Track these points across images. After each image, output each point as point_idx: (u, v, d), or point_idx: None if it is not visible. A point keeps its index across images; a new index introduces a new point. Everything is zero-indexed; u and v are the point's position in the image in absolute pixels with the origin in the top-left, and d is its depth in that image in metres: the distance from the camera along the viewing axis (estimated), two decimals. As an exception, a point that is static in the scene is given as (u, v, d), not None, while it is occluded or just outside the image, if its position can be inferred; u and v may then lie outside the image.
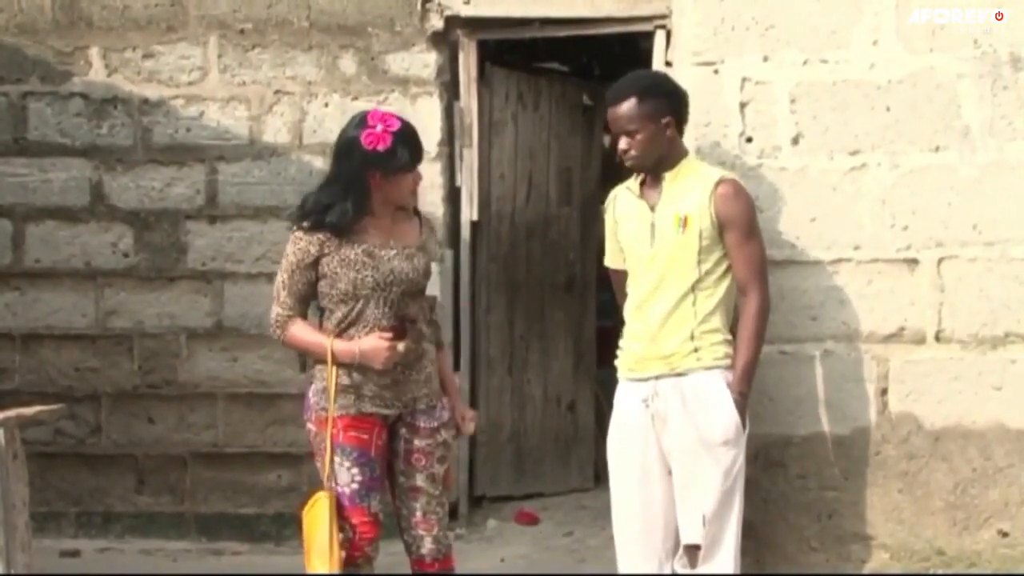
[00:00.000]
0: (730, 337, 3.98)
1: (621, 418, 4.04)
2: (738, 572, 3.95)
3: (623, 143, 3.99)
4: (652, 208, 4.00)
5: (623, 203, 4.11)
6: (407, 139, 3.84)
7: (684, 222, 3.92)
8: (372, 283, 3.81)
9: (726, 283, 3.98)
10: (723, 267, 3.97)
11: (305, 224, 3.84)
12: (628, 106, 3.95)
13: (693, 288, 3.94)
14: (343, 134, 3.88)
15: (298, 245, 3.84)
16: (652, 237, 3.98)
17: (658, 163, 3.99)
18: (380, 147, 3.78)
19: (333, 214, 3.79)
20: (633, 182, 4.09)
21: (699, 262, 3.93)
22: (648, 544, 4.00)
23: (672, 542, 4.00)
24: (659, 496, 3.98)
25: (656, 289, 3.97)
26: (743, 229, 3.96)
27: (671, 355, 3.95)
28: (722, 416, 3.90)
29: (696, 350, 3.93)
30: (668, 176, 3.99)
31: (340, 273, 3.81)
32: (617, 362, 4.11)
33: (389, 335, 3.79)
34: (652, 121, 3.95)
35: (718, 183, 3.95)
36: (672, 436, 3.93)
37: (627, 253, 4.08)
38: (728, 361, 3.95)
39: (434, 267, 4.04)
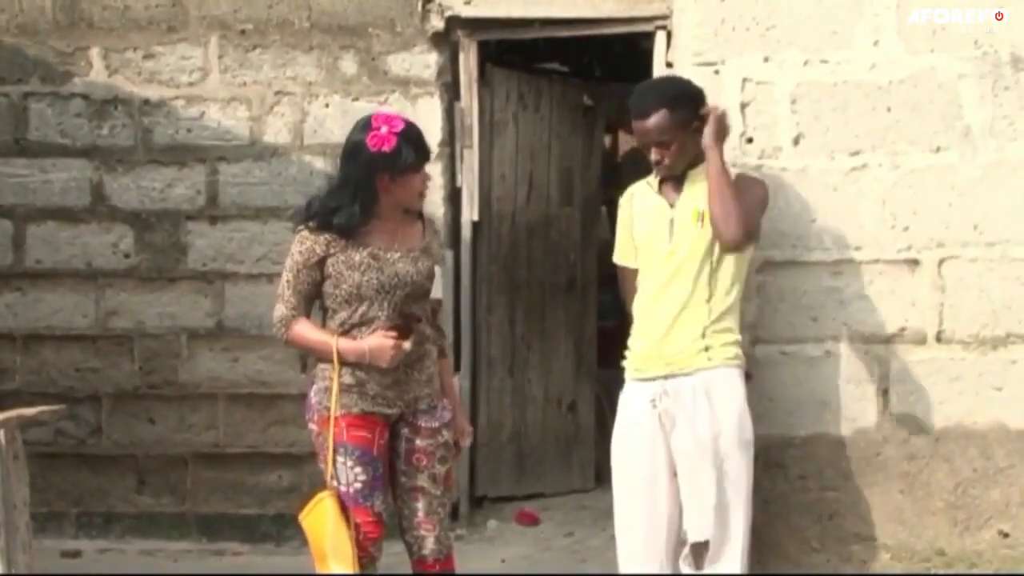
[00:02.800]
0: (739, 337, 3.99)
1: (628, 419, 4.03)
2: (746, 572, 3.94)
3: (655, 154, 3.97)
4: (672, 205, 4.00)
5: (640, 199, 4.11)
6: (412, 139, 3.84)
7: (702, 217, 3.93)
8: (377, 285, 3.81)
9: (741, 285, 3.99)
10: (738, 267, 3.96)
11: (311, 223, 3.84)
12: (659, 118, 3.93)
13: (708, 284, 3.93)
14: (349, 138, 3.88)
15: (304, 244, 3.84)
16: (671, 233, 3.97)
17: (690, 165, 4.00)
18: (385, 148, 3.78)
19: (341, 216, 3.79)
20: (652, 178, 4.09)
21: (711, 257, 3.93)
22: (651, 545, 3.99)
23: (674, 543, 3.99)
24: (664, 497, 3.97)
25: (668, 285, 3.96)
26: (750, 189, 3.98)
27: (680, 354, 3.94)
28: (731, 415, 3.89)
29: (706, 349, 3.93)
30: (691, 174, 3.99)
31: (345, 275, 3.81)
32: (624, 362, 4.11)
33: (394, 334, 3.79)
34: (683, 129, 3.95)
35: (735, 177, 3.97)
36: (681, 436, 3.92)
37: (641, 250, 4.07)
38: (739, 361, 3.96)
39: (436, 269, 4.04)
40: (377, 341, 3.79)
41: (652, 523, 3.98)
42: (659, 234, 4.01)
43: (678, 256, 3.96)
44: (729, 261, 3.95)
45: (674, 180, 4.03)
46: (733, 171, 4.05)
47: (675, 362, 3.95)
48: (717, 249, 3.93)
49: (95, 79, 6.11)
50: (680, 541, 3.98)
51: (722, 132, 4.01)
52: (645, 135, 3.98)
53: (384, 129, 3.80)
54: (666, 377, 3.95)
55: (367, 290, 3.81)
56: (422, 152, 3.88)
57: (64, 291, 6.15)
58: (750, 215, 3.93)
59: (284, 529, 5.91)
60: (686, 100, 3.99)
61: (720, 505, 3.89)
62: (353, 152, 3.83)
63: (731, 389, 3.92)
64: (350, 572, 3.71)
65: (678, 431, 3.93)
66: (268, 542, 6.03)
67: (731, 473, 3.89)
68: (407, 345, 3.80)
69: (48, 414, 4.36)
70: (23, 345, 6.16)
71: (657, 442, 3.96)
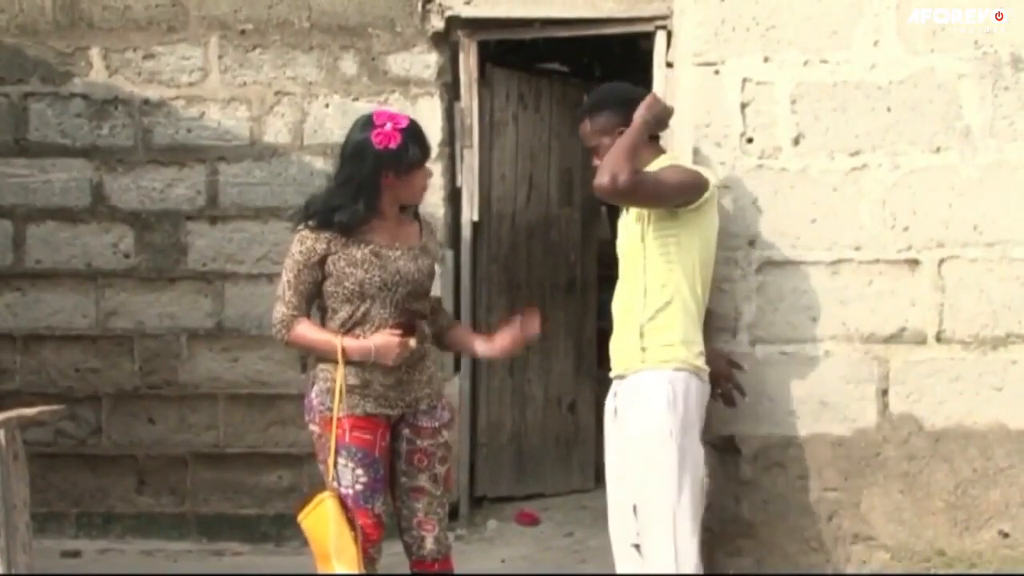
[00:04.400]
0: (684, 337, 3.88)
1: (604, 413, 4.07)
2: (693, 572, 3.88)
3: (594, 160, 4.03)
4: (627, 209, 4.03)
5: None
6: (416, 136, 3.85)
7: (638, 216, 3.95)
8: (379, 283, 3.81)
9: (686, 281, 3.90)
10: (672, 260, 3.90)
11: (311, 222, 3.83)
12: (584, 126, 4.04)
13: (643, 278, 3.89)
14: (350, 137, 3.87)
15: (304, 243, 3.83)
16: (624, 235, 4.02)
17: None
18: (392, 145, 3.79)
19: (343, 214, 3.79)
20: None
21: (644, 247, 3.90)
22: (621, 533, 3.98)
23: None
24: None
25: (620, 283, 4.00)
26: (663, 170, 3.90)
27: (624, 354, 3.94)
28: (648, 416, 3.83)
29: (643, 350, 3.89)
30: None
31: (347, 272, 3.81)
32: None
33: (400, 332, 3.79)
34: (606, 135, 3.98)
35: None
36: (623, 434, 3.93)
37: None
38: (676, 364, 3.86)
39: (436, 267, 4.04)
40: (383, 339, 3.79)
41: (620, 520, 3.97)
42: (621, 237, 4.06)
43: (625, 256, 3.99)
44: (658, 255, 3.89)
45: None
46: (679, 162, 4.00)
47: (621, 363, 3.96)
48: (647, 243, 3.90)
49: (95, 79, 6.11)
50: None
51: (656, 115, 3.96)
52: (583, 142, 4.10)
53: (389, 126, 3.81)
54: (620, 377, 3.97)
55: (370, 288, 3.81)
56: (425, 148, 3.90)
57: (64, 291, 6.15)
58: (633, 172, 3.77)
59: (284, 529, 5.92)
60: (604, 105, 4.02)
61: (643, 507, 3.84)
62: (358, 150, 3.82)
63: (653, 390, 3.84)
64: (356, 573, 3.71)
65: (625, 432, 3.92)
66: (268, 542, 6.03)
67: (647, 476, 3.83)
68: (412, 343, 3.80)
69: (48, 414, 4.36)
70: (23, 345, 6.17)
71: (613, 437, 3.97)
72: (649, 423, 3.84)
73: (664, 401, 3.84)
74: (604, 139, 3.97)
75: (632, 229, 3.96)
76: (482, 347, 4.13)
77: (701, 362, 3.93)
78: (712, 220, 4.02)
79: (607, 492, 4.03)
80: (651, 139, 4.04)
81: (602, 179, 3.80)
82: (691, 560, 3.85)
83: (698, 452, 3.92)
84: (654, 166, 3.95)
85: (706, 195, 3.94)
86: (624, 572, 3.99)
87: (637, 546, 3.89)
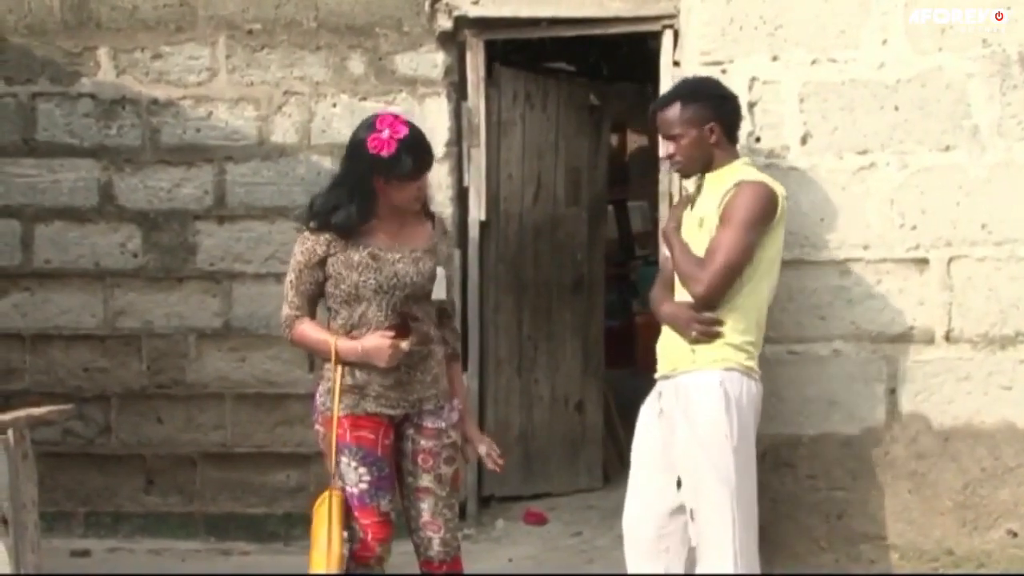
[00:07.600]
0: (739, 341, 3.88)
1: (641, 412, 4.07)
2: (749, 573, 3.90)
3: (670, 148, 4.00)
4: (692, 208, 4.03)
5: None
6: (412, 147, 3.80)
7: (701, 223, 3.93)
8: (374, 285, 3.81)
9: (742, 289, 3.90)
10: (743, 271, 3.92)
11: (312, 224, 3.85)
12: (672, 111, 3.97)
13: None
14: (352, 136, 3.88)
15: (305, 245, 3.86)
16: (690, 239, 3.99)
17: (705, 168, 3.99)
18: (384, 153, 3.77)
19: (339, 216, 3.80)
20: (693, 183, 4.11)
21: None
22: (643, 541, 3.98)
23: (677, 537, 3.96)
24: (657, 486, 3.95)
25: (680, 284, 3.98)
26: (728, 218, 3.85)
27: (673, 354, 3.95)
28: (699, 419, 3.84)
29: (692, 351, 3.90)
30: (709, 178, 3.99)
31: (344, 274, 3.82)
32: None
33: (392, 333, 3.79)
34: (695, 126, 3.94)
35: (735, 185, 3.91)
36: (674, 436, 3.91)
37: None
38: (727, 364, 3.86)
39: (440, 270, 4.02)
40: (374, 341, 3.79)
41: (643, 508, 3.97)
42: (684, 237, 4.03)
43: None
44: None
45: (700, 183, 4.04)
46: (758, 177, 3.95)
47: (669, 363, 3.95)
48: None
49: (103, 79, 6.12)
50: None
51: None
52: (661, 127, 4.04)
53: (386, 133, 3.78)
54: (666, 377, 3.96)
55: (365, 290, 3.81)
56: (421, 162, 3.84)
57: (72, 291, 6.16)
58: (724, 263, 3.84)
59: (292, 529, 5.92)
60: (701, 97, 3.98)
61: (701, 512, 3.84)
62: (354, 151, 3.84)
63: (705, 392, 3.84)
64: (325, 571, 3.71)
65: (672, 431, 3.92)
66: (275, 541, 6.04)
67: (705, 478, 3.82)
68: (405, 345, 3.80)
69: (56, 414, 4.37)
70: (31, 345, 6.17)
71: (654, 435, 3.96)
72: (704, 427, 3.83)
73: (719, 404, 3.83)
74: (692, 130, 3.95)
75: (697, 241, 3.93)
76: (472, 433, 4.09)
77: (753, 363, 3.91)
78: (782, 231, 3.99)
79: (634, 491, 4.01)
80: (729, 142, 4.01)
81: (700, 290, 3.88)
82: (751, 563, 3.85)
83: (752, 454, 3.91)
84: (729, 173, 3.94)
85: (778, 213, 3.93)
86: (638, 572, 3.99)
87: (693, 549, 3.90)
